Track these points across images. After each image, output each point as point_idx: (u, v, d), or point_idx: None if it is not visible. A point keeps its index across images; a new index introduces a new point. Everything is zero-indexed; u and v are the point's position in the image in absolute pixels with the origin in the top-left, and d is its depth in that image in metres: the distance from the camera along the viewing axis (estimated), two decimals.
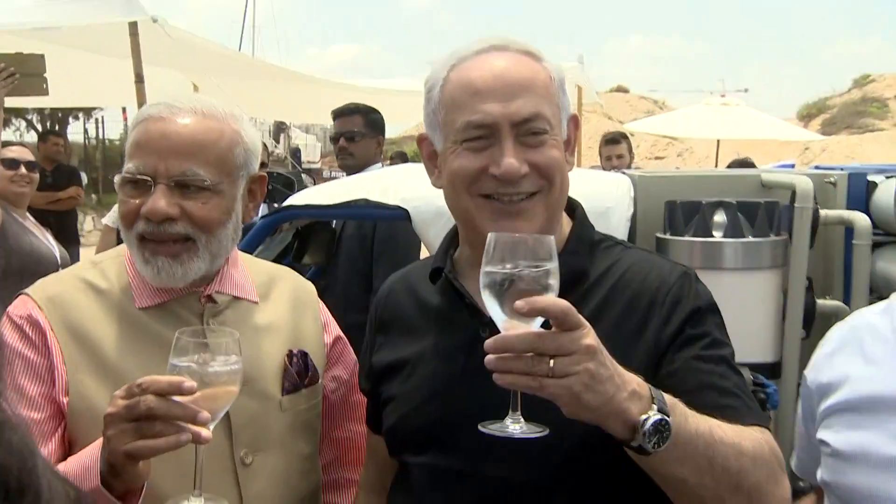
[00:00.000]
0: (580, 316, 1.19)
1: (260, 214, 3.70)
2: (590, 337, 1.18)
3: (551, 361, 1.16)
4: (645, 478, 1.35)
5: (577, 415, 1.20)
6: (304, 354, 1.73)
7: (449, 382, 1.50)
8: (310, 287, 1.89)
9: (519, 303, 1.17)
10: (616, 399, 1.20)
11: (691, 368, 1.41)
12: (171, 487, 1.43)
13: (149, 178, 1.54)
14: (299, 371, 1.71)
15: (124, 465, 1.32)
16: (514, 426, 1.24)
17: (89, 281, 1.66)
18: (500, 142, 1.44)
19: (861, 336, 1.58)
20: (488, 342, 1.19)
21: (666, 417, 1.22)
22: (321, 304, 1.87)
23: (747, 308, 2.55)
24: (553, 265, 1.23)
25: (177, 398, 1.28)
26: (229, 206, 1.61)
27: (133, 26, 5.51)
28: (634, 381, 1.24)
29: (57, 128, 34.93)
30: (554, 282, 1.22)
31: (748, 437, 1.33)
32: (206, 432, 1.30)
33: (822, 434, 1.55)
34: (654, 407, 1.22)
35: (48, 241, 4.53)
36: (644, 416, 1.21)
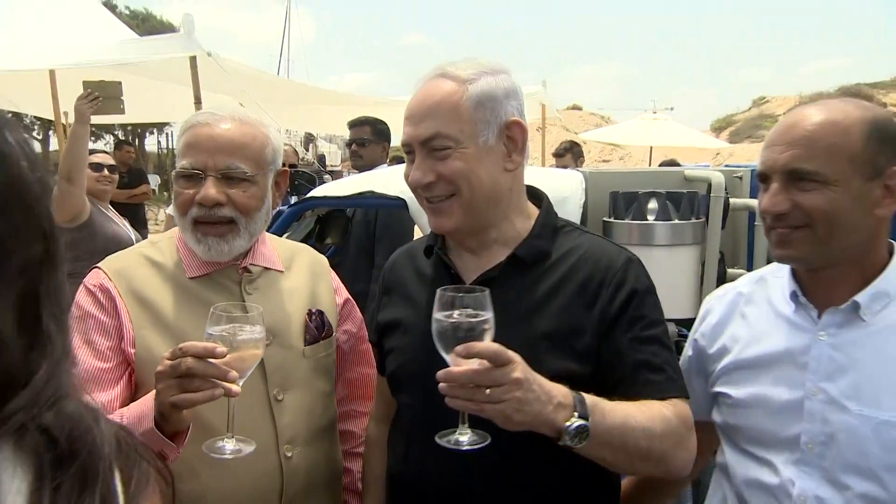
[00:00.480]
0: (510, 354, 1.18)
1: (288, 205, 3.67)
2: (518, 371, 1.18)
3: (487, 391, 1.16)
4: None
5: (510, 428, 1.21)
6: (320, 313, 1.70)
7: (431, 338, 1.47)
8: (323, 260, 1.86)
9: (459, 348, 1.18)
10: (543, 413, 1.20)
11: (630, 349, 1.39)
12: (217, 424, 1.42)
13: (200, 172, 1.52)
14: (317, 326, 1.69)
15: (171, 413, 1.31)
16: (462, 438, 1.25)
17: (148, 256, 1.64)
18: (416, 156, 1.44)
19: (740, 306, 1.54)
20: (439, 374, 1.19)
21: (585, 423, 1.22)
22: (333, 273, 1.85)
23: (673, 275, 2.54)
24: (488, 315, 1.22)
25: (211, 360, 1.26)
26: (263, 194, 1.59)
27: (192, 59, 5.44)
28: (560, 395, 1.23)
29: (136, 141, 34.73)
30: (489, 327, 1.21)
31: (659, 418, 1.32)
32: (235, 388, 1.29)
33: (720, 388, 1.51)
34: (576, 414, 1.22)
35: (126, 227, 4.52)
36: (567, 424, 1.22)
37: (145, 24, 29.50)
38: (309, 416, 1.62)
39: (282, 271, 1.70)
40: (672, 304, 2.58)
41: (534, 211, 1.54)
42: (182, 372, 1.26)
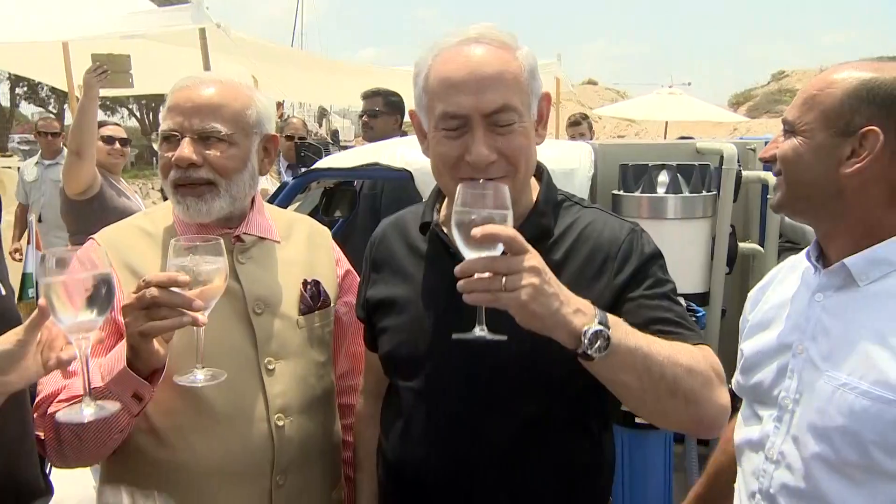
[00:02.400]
0: (526, 243, 1.14)
1: (292, 177, 3.64)
2: (534, 259, 1.13)
3: (504, 280, 1.10)
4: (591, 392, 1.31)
5: (528, 323, 1.14)
6: (316, 283, 1.68)
7: (433, 319, 1.43)
8: (325, 230, 1.83)
9: (475, 230, 1.12)
10: (560, 312, 1.14)
11: (641, 306, 1.34)
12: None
13: (178, 133, 1.50)
14: (312, 296, 1.66)
15: (140, 345, 1.30)
16: (479, 332, 1.19)
17: (142, 227, 1.63)
18: (472, 131, 1.31)
19: (784, 270, 1.54)
20: (456, 268, 1.14)
21: (605, 328, 1.15)
22: (334, 245, 1.81)
23: (684, 250, 2.49)
24: (508, 211, 1.17)
25: (175, 290, 1.26)
26: (244, 156, 1.56)
27: (202, 31, 5.40)
28: (579, 302, 1.17)
29: (150, 115, 34.76)
30: (508, 223, 1.17)
31: (685, 353, 1.25)
32: (202, 318, 1.28)
33: (741, 346, 1.52)
34: (596, 320, 1.16)
35: (137, 200, 4.52)
36: (586, 328, 1.14)
37: None
38: (302, 385, 1.60)
39: (278, 241, 1.67)
40: (682, 278, 2.52)
41: (534, 185, 1.48)
42: (148, 302, 1.25)
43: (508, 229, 1.14)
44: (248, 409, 1.51)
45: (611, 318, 1.19)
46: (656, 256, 1.42)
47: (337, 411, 1.76)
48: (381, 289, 1.54)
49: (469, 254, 1.16)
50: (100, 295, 1.16)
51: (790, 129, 1.34)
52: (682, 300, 2.32)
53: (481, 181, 1.23)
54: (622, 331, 1.19)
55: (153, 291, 1.26)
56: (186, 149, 1.49)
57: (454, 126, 1.33)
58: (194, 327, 1.30)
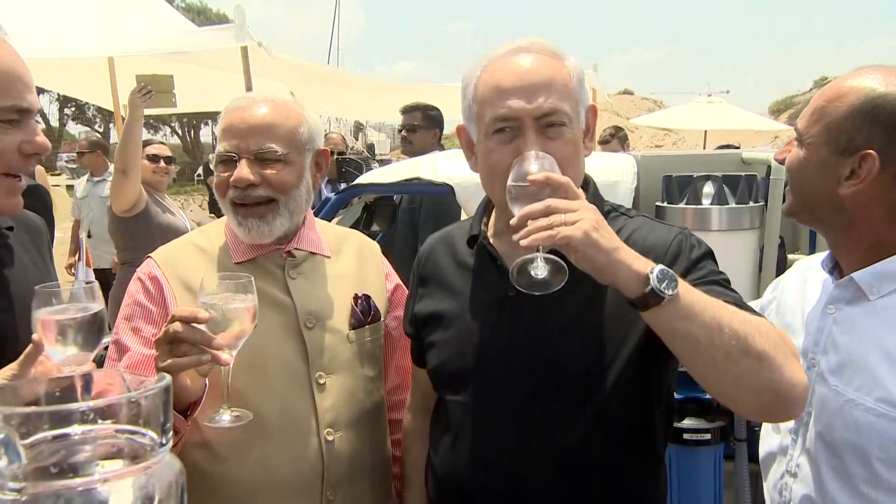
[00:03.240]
0: (578, 190, 1.18)
1: (332, 192, 3.68)
2: (590, 206, 1.16)
3: (563, 216, 1.11)
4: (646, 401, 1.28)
5: (589, 259, 1.11)
6: (367, 297, 1.68)
7: (482, 334, 1.42)
8: (374, 245, 1.84)
9: (532, 176, 1.16)
10: (622, 251, 1.13)
11: (698, 288, 1.24)
12: (254, 396, 1.46)
13: (234, 155, 1.53)
14: (363, 310, 1.66)
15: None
16: (539, 266, 1.16)
17: (196, 243, 1.66)
18: (523, 134, 1.32)
19: (802, 271, 1.57)
20: (513, 218, 1.14)
21: (670, 270, 1.13)
22: (383, 259, 1.83)
23: (730, 262, 2.41)
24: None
25: (196, 326, 1.25)
26: (299, 172, 1.59)
27: (244, 49, 5.51)
28: (636, 252, 1.16)
29: (192, 132, 35.50)
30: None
31: (754, 319, 1.18)
32: (225, 356, 1.27)
33: None
34: (658, 266, 1.13)
35: (181, 216, 4.61)
36: (651, 267, 1.12)
37: (200, 17, 30.10)
38: (352, 400, 1.61)
39: (328, 256, 1.69)
40: None
41: (581, 195, 1.47)
42: (171, 337, 1.25)
43: (563, 177, 1.16)
44: (299, 423, 1.52)
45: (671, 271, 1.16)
46: (708, 254, 1.38)
47: (387, 426, 1.75)
48: (429, 303, 1.54)
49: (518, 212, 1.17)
50: (89, 331, 1.17)
51: (798, 138, 1.34)
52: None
53: (534, 152, 1.26)
54: (685, 286, 1.16)
55: (176, 327, 1.25)
56: (245, 169, 1.51)
57: (505, 128, 1.34)
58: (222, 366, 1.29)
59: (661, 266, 1.12)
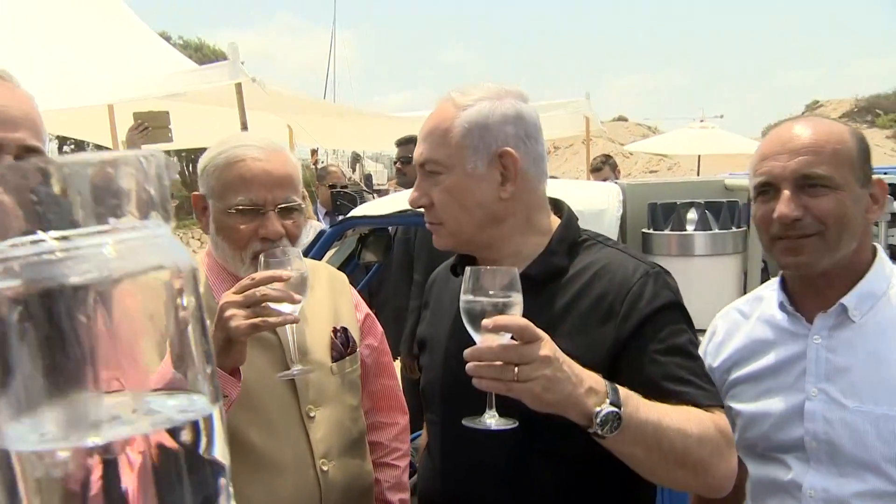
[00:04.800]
0: (538, 330, 1.14)
1: (329, 225, 3.74)
2: (546, 348, 1.13)
3: (516, 369, 1.12)
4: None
5: (540, 409, 1.16)
6: (344, 329, 1.74)
7: (456, 356, 1.46)
8: (342, 276, 1.89)
9: (486, 321, 1.14)
10: (573, 395, 1.15)
11: (651, 361, 1.31)
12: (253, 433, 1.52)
13: (261, 207, 1.55)
14: (343, 343, 1.71)
15: (237, 343, 1.36)
16: (490, 420, 1.22)
17: None
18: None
19: (739, 323, 1.58)
20: (466, 351, 1.16)
21: (617, 409, 1.16)
22: (352, 289, 1.88)
23: (714, 286, 2.50)
24: (517, 296, 1.19)
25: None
26: (303, 217, 1.66)
27: (238, 86, 5.58)
28: (592, 380, 1.18)
29: (189, 166, 35.74)
30: (517, 307, 1.18)
31: (696, 422, 1.25)
32: (295, 317, 1.41)
33: (728, 402, 1.53)
34: (608, 401, 1.17)
35: None
36: (598, 409, 1.15)
37: (198, 54, 30.45)
38: (340, 429, 1.66)
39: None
40: (713, 314, 2.54)
41: (555, 222, 1.50)
42: (256, 300, 1.33)
43: (519, 319, 1.14)
44: (295, 455, 1.56)
45: (622, 391, 1.20)
46: (670, 305, 1.36)
47: (368, 450, 1.80)
48: (424, 327, 1.64)
49: (477, 337, 1.18)
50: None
51: (825, 185, 1.37)
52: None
53: (487, 267, 1.24)
54: (633, 405, 1.20)
55: (263, 289, 1.34)
56: (277, 224, 1.55)
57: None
58: (287, 326, 1.43)
59: (606, 408, 1.15)
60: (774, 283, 1.53)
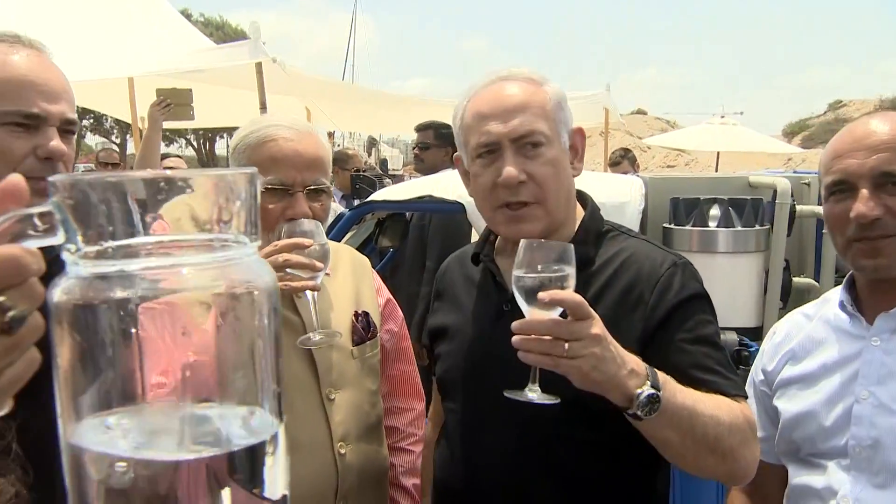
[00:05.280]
0: (591, 309, 1.14)
1: (346, 208, 3.74)
2: (597, 326, 1.14)
3: (566, 345, 1.12)
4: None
5: (584, 387, 1.16)
6: (365, 314, 1.73)
7: (478, 344, 1.48)
8: (365, 260, 1.88)
9: (542, 294, 1.13)
10: (617, 376, 1.16)
11: (679, 350, 1.33)
12: None
13: (290, 187, 1.55)
14: (364, 327, 1.71)
15: None
16: (532, 394, 1.21)
17: None
18: (502, 156, 1.39)
19: (802, 324, 1.54)
20: (514, 324, 1.15)
21: (657, 392, 1.17)
22: (374, 273, 1.87)
23: (736, 284, 2.49)
24: (571, 270, 1.17)
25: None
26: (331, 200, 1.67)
27: (258, 66, 5.59)
28: (633, 362, 1.19)
29: (207, 145, 35.84)
30: (571, 283, 1.17)
31: (727, 410, 1.27)
32: (316, 283, 1.42)
33: (776, 403, 1.51)
34: (648, 383, 1.18)
35: None
36: (639, 391, 1.17)
37: (219, 32, 30.48)
38: (359, 413, 1.66)
39: (328, 274, 1.71)
40: (734, 312, 2.53)
41: (579, 213, 1.51)
42: (280, 265, 1.35)
43: (575, 296, 1.14)
44: (314, 437, 1.56)
45: (661, 375, 1.21)
46: (698, 296, 1.38)
47: (384, 434, 1.80)
48: (440, 317, 1.61)
49: (528, 310, 1.17)
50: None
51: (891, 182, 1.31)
52: (734, 334, 2.34)
53: (541, 241, 1.23)
54: (671, 389, 1.21)
55: (286, 255, 1.35)
56: (305, 205, 1.54)
57: (486, 153, 1.41)
58: (308, 295, 1.44)
59: (647, 390, 1.17)
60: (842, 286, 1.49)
